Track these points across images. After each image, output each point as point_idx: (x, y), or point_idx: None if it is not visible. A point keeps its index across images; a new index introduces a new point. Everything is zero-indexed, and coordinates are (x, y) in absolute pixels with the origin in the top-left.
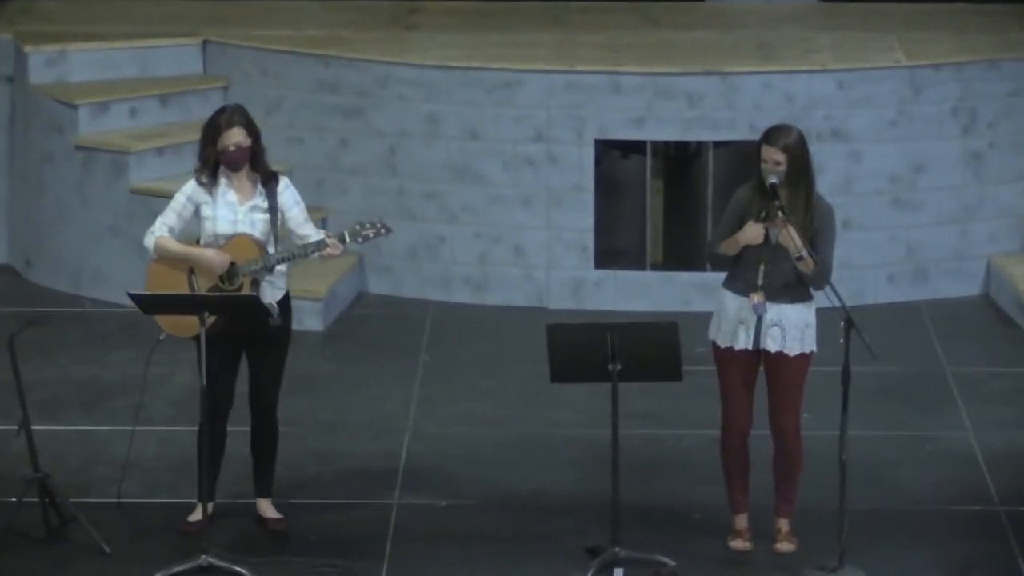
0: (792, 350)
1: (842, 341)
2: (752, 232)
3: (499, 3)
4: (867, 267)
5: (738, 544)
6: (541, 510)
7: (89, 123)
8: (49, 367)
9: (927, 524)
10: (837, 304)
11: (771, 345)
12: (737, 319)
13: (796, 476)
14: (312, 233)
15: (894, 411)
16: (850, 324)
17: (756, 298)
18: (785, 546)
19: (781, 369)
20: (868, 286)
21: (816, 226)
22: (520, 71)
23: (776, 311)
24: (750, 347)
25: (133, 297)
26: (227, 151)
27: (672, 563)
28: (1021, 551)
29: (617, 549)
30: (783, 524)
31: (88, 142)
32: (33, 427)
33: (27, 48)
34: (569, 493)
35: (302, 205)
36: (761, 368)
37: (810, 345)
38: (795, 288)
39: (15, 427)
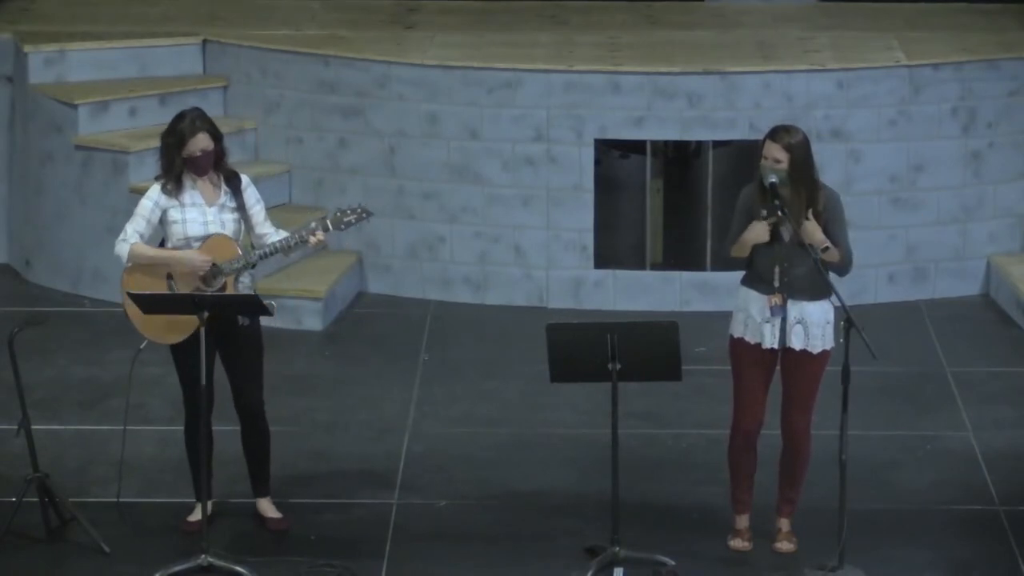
0: (815, 348)
1: (842, 341)
2: (757, 231)
3: (499, 3)
4: (867, 267)
5: (737, 544)
6: (541, 510)
7: (88, 123)
8: (48, 367)
9: (927, 524)
10: (837, 304)
11: (796, 343)
12: (763, 318)
13: (802, 477)
14: (270, 232)
15: (894, 411)
16: (850, 324)
17: (774, 300)
18: (785, 546)
19: (802, 367)
20: (868, 286)
21: (827, 216)
22: (519, 71)
23: (798, 309)
24: (776, 346)
25: (132, 297)
26: (193, 157)
27: (672, 563)
28: (1021, 551)
29: (617, 549)
30: (784, 524)
31: (87, 142)
32: (32, 427)
33: (26, 48)
34: (569, 493)
35: (262, 203)
36: (777, 368)
37: (829, 342)
38: (814, 285)
39: (14, 427)
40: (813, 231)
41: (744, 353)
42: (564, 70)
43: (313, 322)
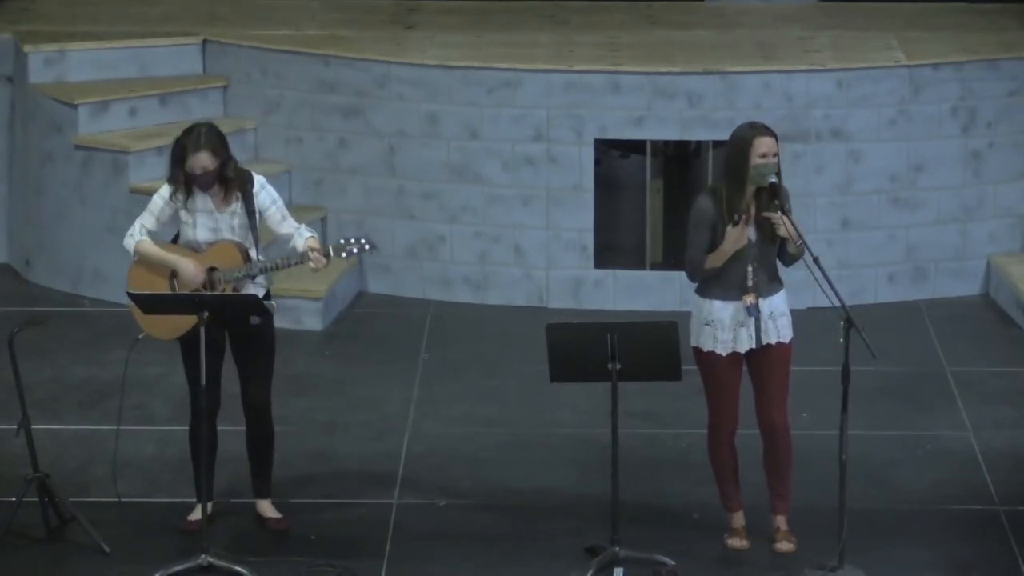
0: (786, 337)
1: (842, 341)
2: (737, 237)
3: (499, 3)
4: (867, 267)
5: (736, 542)
6: (541, 510)
7: (88, 123)
8: (48, 367)
9: (927, 524)
10: (837, 304)
11: (772, 338)
12: (735, 323)
13: (790, 472)
14: (291, 231)
15: (894, 411)
16: (850, 324)
17: (749, 300)
18: (785, 546)
19: (776, 359)
20: (868, 286)
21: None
22: (519, 71)
23: (768, 304)
24: (755, 346)
25: (132, 297)
26: (193, 174)
27: (672, 563)
28: (1021, 551)
29: (617, 549)
30: (781, 522)
31: (87, 142)
32: (32, 427)
33: (26, 48)
34: (569, 493)
35: (280, 203)
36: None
37: (792, 330)
38: (777, 278)
39: (14, 427)
40: (792, 227)
41: (716, 364)
42: (564, 70)
43: (313, 322)
